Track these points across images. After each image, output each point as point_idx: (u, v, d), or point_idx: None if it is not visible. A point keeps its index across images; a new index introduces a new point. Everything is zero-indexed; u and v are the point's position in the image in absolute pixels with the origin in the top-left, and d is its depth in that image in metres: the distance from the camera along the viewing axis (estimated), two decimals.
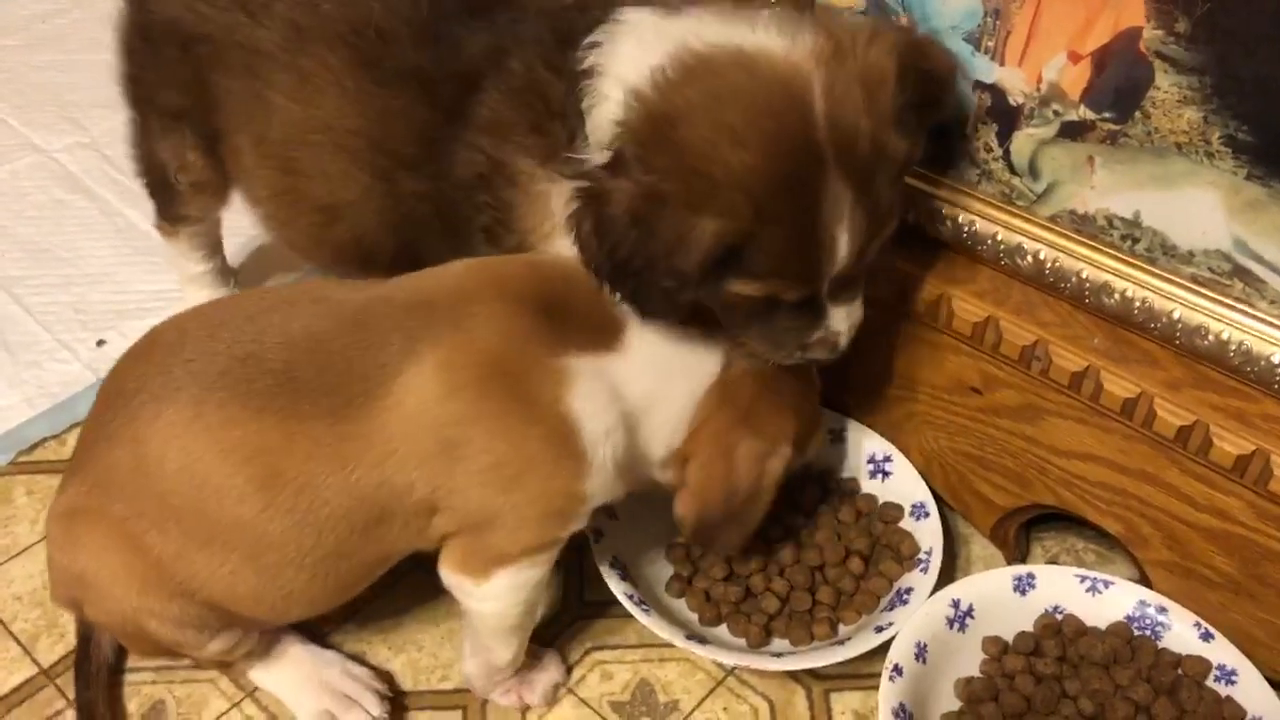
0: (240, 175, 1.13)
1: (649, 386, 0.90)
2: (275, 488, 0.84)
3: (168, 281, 1.45)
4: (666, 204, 0.79)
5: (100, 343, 1.39)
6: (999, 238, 0.97)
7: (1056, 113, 0.91)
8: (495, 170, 0.94)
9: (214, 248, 1.37)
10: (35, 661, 1.05)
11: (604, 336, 0.89)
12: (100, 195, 1.63)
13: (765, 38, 0.81)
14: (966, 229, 0.99)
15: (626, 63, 0.84)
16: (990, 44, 0.92)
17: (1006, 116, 0.94)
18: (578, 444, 0.86)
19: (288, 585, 0.89)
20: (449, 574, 0.92)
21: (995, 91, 0.94)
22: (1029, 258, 0.96)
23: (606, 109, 0.85)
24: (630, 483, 0.95)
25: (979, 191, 0.99)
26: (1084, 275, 0.93)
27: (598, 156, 0.85)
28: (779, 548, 1.06)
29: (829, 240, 0.81)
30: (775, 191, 0.78)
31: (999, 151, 0.96)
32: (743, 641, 1.02)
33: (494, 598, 0.91)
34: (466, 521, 0.88)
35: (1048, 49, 0.89)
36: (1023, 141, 0.94)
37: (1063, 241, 0.94)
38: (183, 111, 1.14)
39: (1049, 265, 0.95)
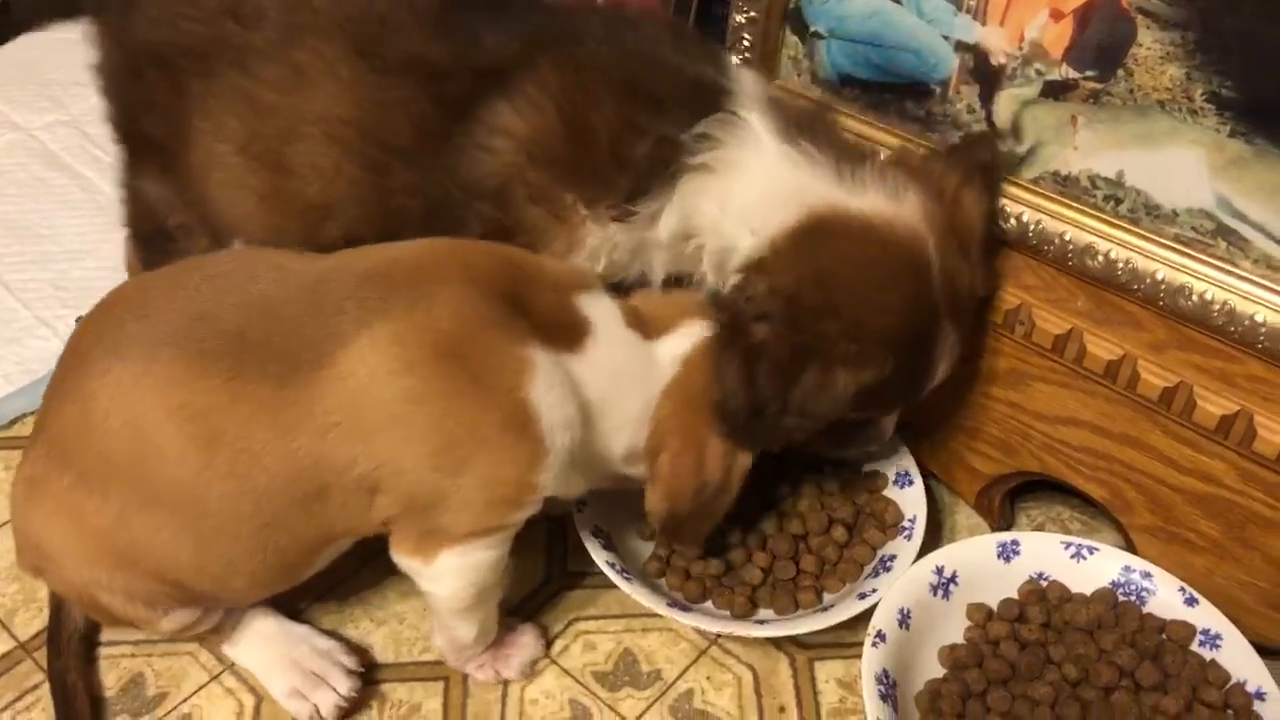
0: (214, 192, 1.08)
1: (605, 389, 0.89)
2: (214, 450, 0.83)
3: None
4: (815, 360, 0.86)
5: (79, 319, 1.37)
6: None
7: (1039, 72, 0.90)
8: (517, 186, 0.93)
9: None
10: (13, 635, 1.04)
11: (566, 336, 0.88)
12: (80, 172, 1.62)
13: (881, 202, 0.88)
14: None
15: (752, 201, 0.88)
16: (972, 3, 0.92)
17: (988, 77, 0.93)
18: (535, 432, 0.84)
19: (225, 555, 0.87)
20: (398, 555, 0.90)
21: (977, 52, 0.93)
22: (1011, 220, 0.96)
23: (723, 235, 0.90)
24: (591, 479, 0.95)
25: None
26: (1067, 237, 0.93)
27: (710, 271, 0.92)
28: (762, 518, 1.05)
29: (934, 370, 0.93)
30: (906, 344, 0.88)
31: (981, 113, 0.95)
32: (726, 612, 1.01)
33: (442, 578, 0.90)
34: (411, 503, 0.86)
35: (1029, 7, 0.89)
36: (1005, 102, 0.93)
37: (1046, 204, 0.94)
38: (166, 143, 1.09)
39: (1032, 228, 0.94)
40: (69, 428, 0.86)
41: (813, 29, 1.04)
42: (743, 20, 1.05)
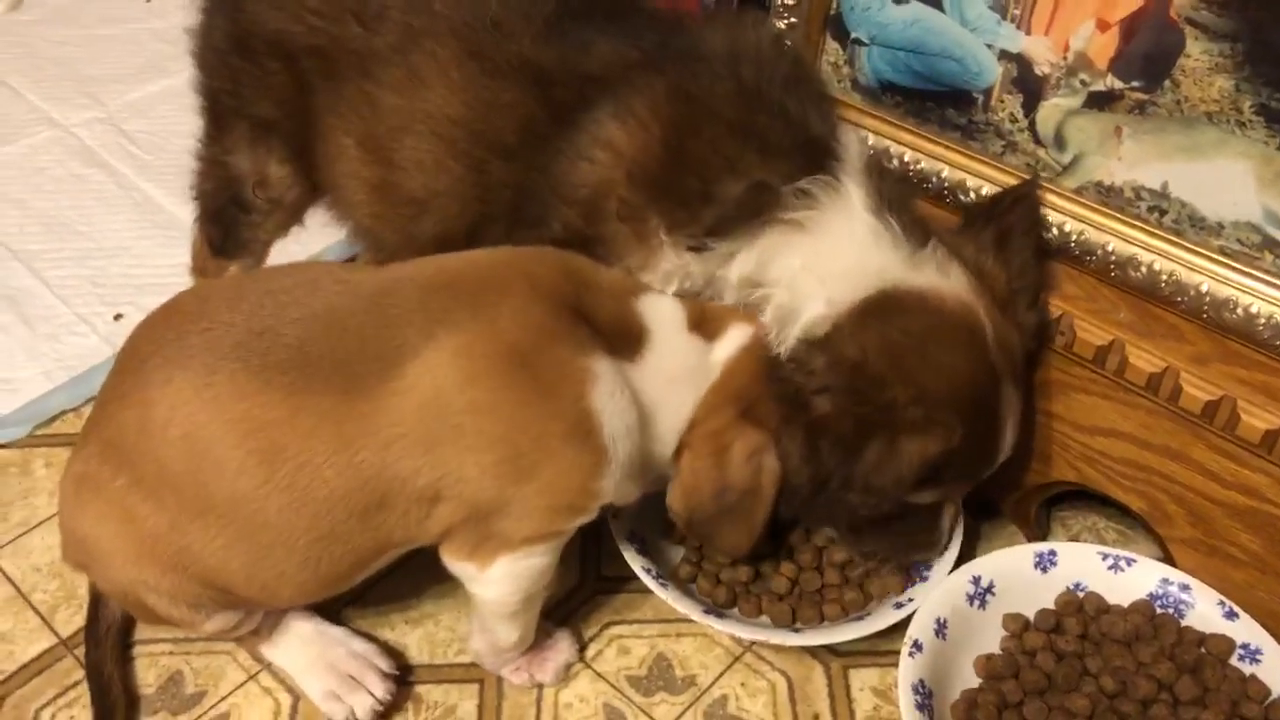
0: (339, 179, 1.10)
1: (661, 393, 0.91)
2: (276, 463, 0.84)
3: (185, 255, 1.44)
4: (879, 432, 0.86)
5: (117, 316, 1.40)
6: None
7: (1084, 82, 0.90)
8: (609, 199, 0.94)
9: None
10: (54, 632, 1.06)
11: (625, 343, 0.89)
12: (118, 169, 1.64)
13: (937, 279, 0.89)
14: None
15: (833, 270, 0.89)
16: (1016, 12, 0.91)
17: (1032, 86, 0.93)
18: (598, 440, 0.86)
19: (278, 566, 0.89)
20: (451, 559, 0.91)
21: (1021, 61, 0.93)
22: (1054, 230, 0.96)
23: (800, 298, 0.89)
24: (644, 484, 0.96)
25: (1004, 163, 0.99)
26: (1110, 248, 0.93)
27: (772, 323, 0.91)
28: (790, 529, 1.05)
29: (1002, 439, 0.92)
30: (971, 409, 0.88)
31: (1024, 122, 0.95)
32: (764, 619, 1.02)
33: (495, 583, 0.91)
34: (473, 511, 0.87)
35: (1075, 16, 0.88)
36: (1049, 112, 0.93)
37: (1089, 214, 0.94)
38: (275, 124, 1.12)
39: (1074, 238, 0.94)
40: (126, 433, 0.87)
41: (854, 35, 1.04)
42: (783, 26, 1.05)
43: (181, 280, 1.40)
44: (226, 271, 1.24)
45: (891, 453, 0.86)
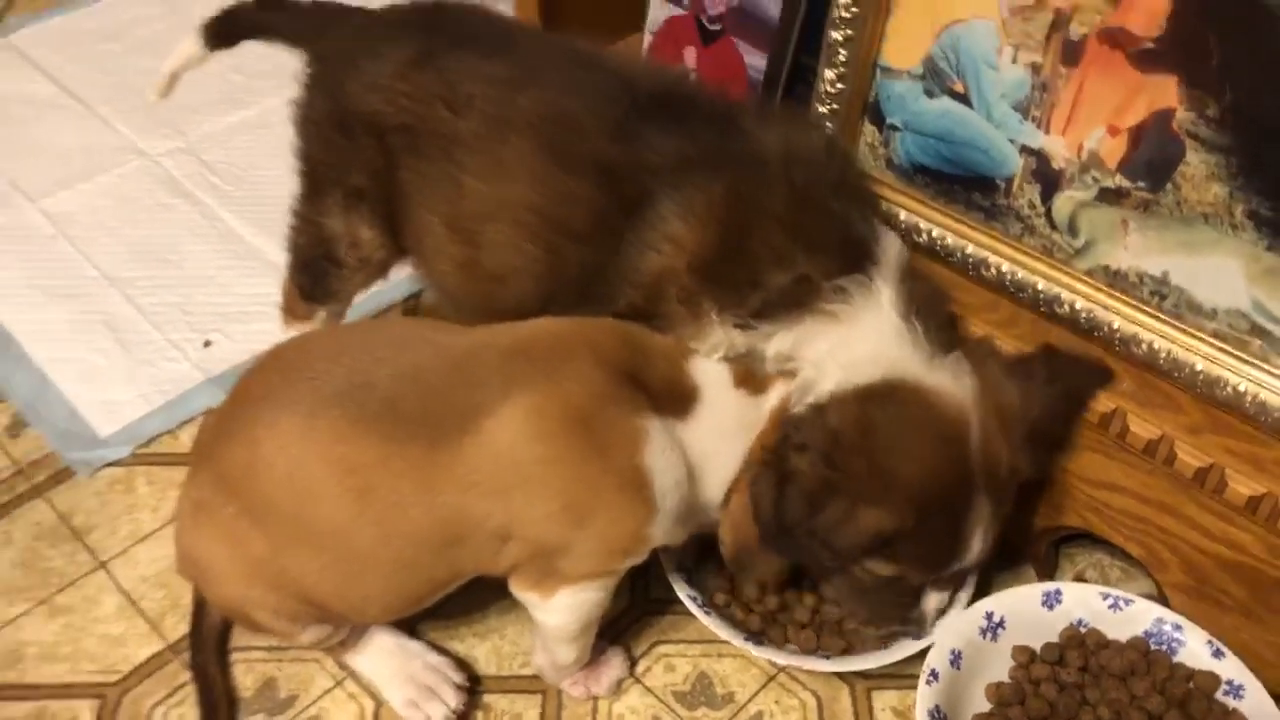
0: (426, 251, 1.20)
1: (711, 445, 1.01)
2: (367, 500, 0.95)
3: (266, 285, 1.53)
4: (840, 495, 0.95)
5: (207, 343, 1.49)
6: (1039, 287, 1.07)
7: (1095, 179, 1.00)
8: (670, 284, 1.03)
9: None
10: (162, 637, 1.17)
11: (677, 405, 0.99)
12: (200, 199, 1.72)
13: (945, 381, 0.98)
14: (1009, 277, 1.09)
15: (855, 357, 0.98)
16: (1037, 113, 1.01)
17: (1049, 179, 1.03)
18: (647, 493, 0.96)
19: (366, 589, 1.00)
20: (518, 590, 1.03)
21: (1040, 156, 1.03)
22: (1065, 307, 1.05)
23: (821, 375, 0.99)
24: (691, 526, 1.06)
25: (1022, 244, 1.08)
26: (1115, 326, 1.02)
27: (795, 387, 1.01)
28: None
29: (966, 542, 0.99)
30: (933, 502, 0.95)
31: (1041, 209, 1.05)
32: (792, 645, 1.13)
33: (556, 612, 1.02)
34: (537, 550, 0.98)
35: (1089, 122, 0.98)
36: (1063, 202, 1.03)
37: (1097, 294, 1.03)
38: (367, 192, 1.20)
39: (1084, 315, 1.04)
40: (237, 466, 0.99)
41: (889, 121, 1.14)
42: (825, 111, 1.16)
43: (264, 310, 1.50)
44: (314, 314, 1.34)
45: (848, 517, 0.94)
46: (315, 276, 1.29)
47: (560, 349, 0.98)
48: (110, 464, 1.35)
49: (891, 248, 1.02)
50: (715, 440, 1.01)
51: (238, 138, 1.86)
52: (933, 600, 1.06)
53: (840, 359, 0.98)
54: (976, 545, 0.99)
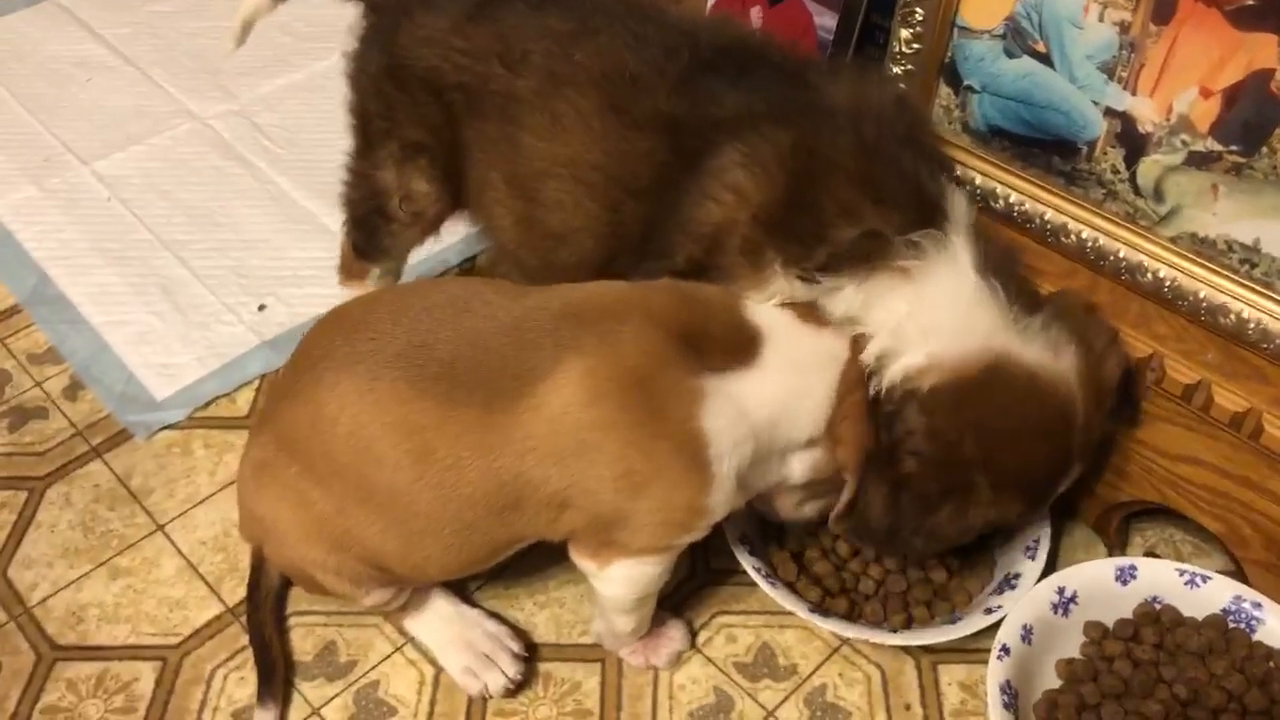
0: (485, 207, 1.19)
1: (789, 382, 0.97)
2: (427, 463, 0.94)
3: (320, 249, 1.54)
4: (955, 498, 0.97)
5: (261, 307, 1.49)
6: (1121, 255, 1.04)
7: (1184, 142, 0.96)
8: (733, 236, 1.01)
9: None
10: (221, 600, 1.18)
11: (741, 352, 0.96)
12: (253, 163, 1.72)
13: (1045, 357, 0.96)
14: (1090, 244, 1.05)
15: (939, 320, 0.95)
16: (1123, 74, 0.98)
17: (1135, 142, 1.00)
18: (704, 458, 0.93)
19: (425, 550, 0.99)
20: (576, 557, 1.01)
21: (1125, 119, 1.00)
22: (1149, 275, 1.02)
23: (898, 338, 0.96)
24: (750, 493, 1.02)
25: (1104, 210, 1.05)
26: (1201, 295, 0.99)
27: (871, 362, 0.97)
28: None
29: (1053, 497, 1.03)
30: (1041, 490, 1.00)
31: (1125, 174, 1.01)
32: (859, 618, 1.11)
33: (612, 583, 1.01)
34: (594, 519, 0.96)
35: (1179, 83, 0.95)
36: (1149, 166, 1.00)
37: (1182, 262, 1.00)
38: (424, 146, 1.19)
39: (1168, 284, 1.01)
40: (299, 427, 0.99)
41: (966, 83, 1.11)
42: (899, 72, 1.13)
43: (317, 274, 1.50)
44: (369, 273, 1.34)
45: (960, 515, 0.97)
46: (369, 233, 1.29)
47: (613, 311, 0.96)
48: (167, 427, 1.35)
49: (961, 205, 0.98)
50: (792, 376, 0.97)
51: (288, 101, 1.86)
52: None
53: (922, 325, 0.95)
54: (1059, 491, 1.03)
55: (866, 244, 0.96)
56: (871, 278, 0.96)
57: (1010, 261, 1.00)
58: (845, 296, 0.97)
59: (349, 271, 1.37)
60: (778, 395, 0.97)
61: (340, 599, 1.10)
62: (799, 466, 1.01)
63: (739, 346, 0.97)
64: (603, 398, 0.93)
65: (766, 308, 0.99)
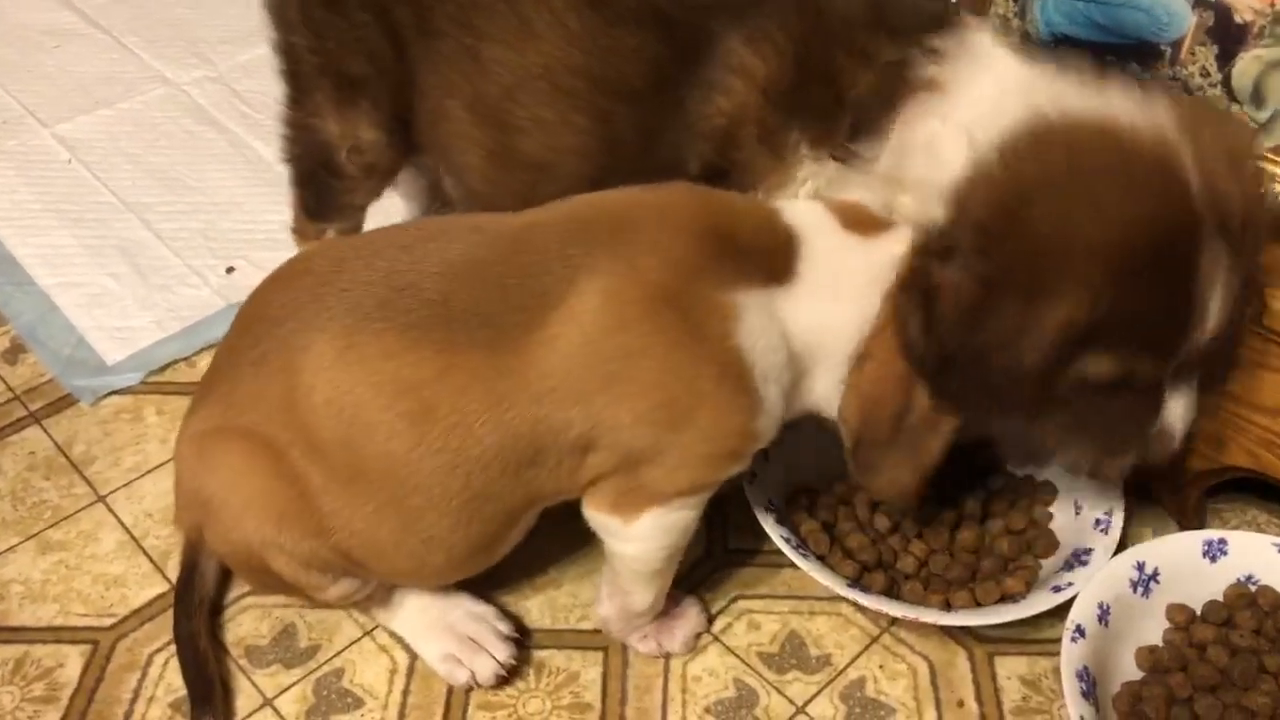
0: (445, 144, 1.06)
1: (826, 306, 0.84)
2: (427, 424, 0.81)
3: None
4: (1006, 294, 0.75)
5: (229, 270, 1.39)
6: None
7: None
8: (748, 125, 0.90)
9: None
10: (166, 578, 1.04)
11: (776, 268, 0.84)
12: (229, 128, 1.63)
13: (1124, 104, 0.77)
14: None
15: (976, 111, 0.80)
16: None
17: (1231, 36, 0.88)
18: (749, 381, 0.82)
19: (429, 530, 0.85)
20: (596, 513, 0.88)
21: (1218, 10, 0.88)
22: None
23: (940, 158, 0.81)
24: (789, 413, 0.89)
25: None
26: None
27: (913, 198, 0.83)
28: (926, 507, 0.99)
29: (1201, 306, 0.77)
30: (1138, 259, 0.74)
31: (1218, 76, 0.90)
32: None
33: (640, 539, 0.87)
34: (625, 460, 0.83)
35: None
36: (1248, 64, 0.88)
37: None
38: (365, 82, 1.07)
39: (1270, 199, 0.88)
40: (267, 398, 0.85)
41: None
42: None
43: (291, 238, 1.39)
44: (324, 235, 1.20)
45: (1024, 318, 0.75)
46: (317, 191, 1.16)
47: (626, 220, 0.84)
48: (117, 392, 1.24)
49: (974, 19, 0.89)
50: (830, 300, 0.84)
51: (268, 69, 1.75)
52: (1179, 404, 0.82)
53: (961, 120, 0.81)
54: (1216, 306, 0.77)
55: (888, 78, 0.86)
56: (900, 113, 0.85)
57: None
58: (885, 156, 0.86)
59: (302, 232, 1.23)
60: (813, 319, 0.84)
61: (295, 596, 0.95)
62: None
63: (774, 258, 0.84)
64: (629, 322, 0.80)
65: (803, 209, 0.87)
